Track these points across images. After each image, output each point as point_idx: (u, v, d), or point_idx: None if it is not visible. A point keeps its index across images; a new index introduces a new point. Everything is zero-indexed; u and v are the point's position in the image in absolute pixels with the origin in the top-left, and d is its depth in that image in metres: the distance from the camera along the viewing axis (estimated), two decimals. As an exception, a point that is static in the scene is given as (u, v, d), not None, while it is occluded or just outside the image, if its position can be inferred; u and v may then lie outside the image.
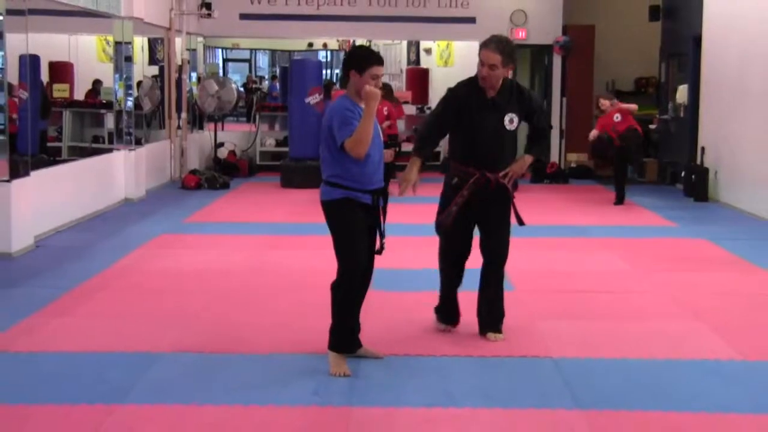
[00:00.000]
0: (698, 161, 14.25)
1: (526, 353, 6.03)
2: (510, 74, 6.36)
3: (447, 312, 6.52)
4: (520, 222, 6.38)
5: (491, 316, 6.39)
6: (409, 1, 17.01)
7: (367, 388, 5.36)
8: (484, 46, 6.14)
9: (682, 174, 14.69)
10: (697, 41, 14.71)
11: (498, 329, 6.35)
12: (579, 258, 9.39)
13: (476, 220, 6.30)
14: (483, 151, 6.18)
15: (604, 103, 13.19)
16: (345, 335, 5.73)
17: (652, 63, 17.69)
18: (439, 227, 6.30)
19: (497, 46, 6.10)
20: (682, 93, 15.40)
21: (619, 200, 13.18)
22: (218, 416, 4.93)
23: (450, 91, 6.34)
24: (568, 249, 9.83)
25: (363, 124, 5.47)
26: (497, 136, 6.21)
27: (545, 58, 17.83)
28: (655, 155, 16.76)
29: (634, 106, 13.19)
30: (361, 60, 5.63)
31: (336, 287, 5.67)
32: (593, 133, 13.36)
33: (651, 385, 5.48)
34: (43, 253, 9.26)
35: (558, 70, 17.39)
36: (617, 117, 12.89)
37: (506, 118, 6.19)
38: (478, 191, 6.16)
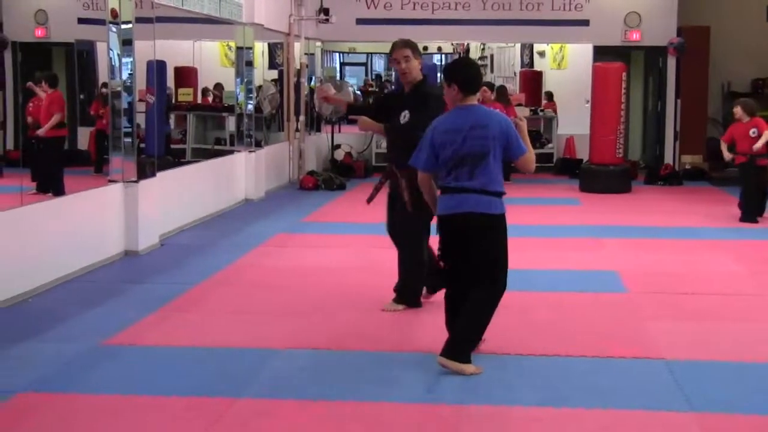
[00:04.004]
0: (817, 163, 13.80)
1: (638, 354, 5.99)
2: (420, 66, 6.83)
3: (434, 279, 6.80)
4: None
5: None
6: (523, 5, 16.96)
7: (478, 386, 5.36)
8: (392, 50, 6.79)
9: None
10: (818, 41, 14.29)
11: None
12: (692, 260, 9.27)
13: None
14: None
15: (739, 112, 11.84)
16: (473, 346, 5.72)
17: (771, 64, 17.24)
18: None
19: (404, 42, 6.79)
20: (801, 94, 14.94)
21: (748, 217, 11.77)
22: (331, 411, 5.00)
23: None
24: (681, 250, 9.71)
25: (528, 146, 5.63)
26: (397, 131, 6.81)
27: (659, 60, 17.50)
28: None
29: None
30: None
31: (485, 303, 5.60)
32: (726, 155, 12.15)
33: (766, 388, 5.39)
34: (168, 251, 9.51)
35: (672, 71, 17.04)
36: (753, 132, 11.65)
37: (401, 114, 6.73)
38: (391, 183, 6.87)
